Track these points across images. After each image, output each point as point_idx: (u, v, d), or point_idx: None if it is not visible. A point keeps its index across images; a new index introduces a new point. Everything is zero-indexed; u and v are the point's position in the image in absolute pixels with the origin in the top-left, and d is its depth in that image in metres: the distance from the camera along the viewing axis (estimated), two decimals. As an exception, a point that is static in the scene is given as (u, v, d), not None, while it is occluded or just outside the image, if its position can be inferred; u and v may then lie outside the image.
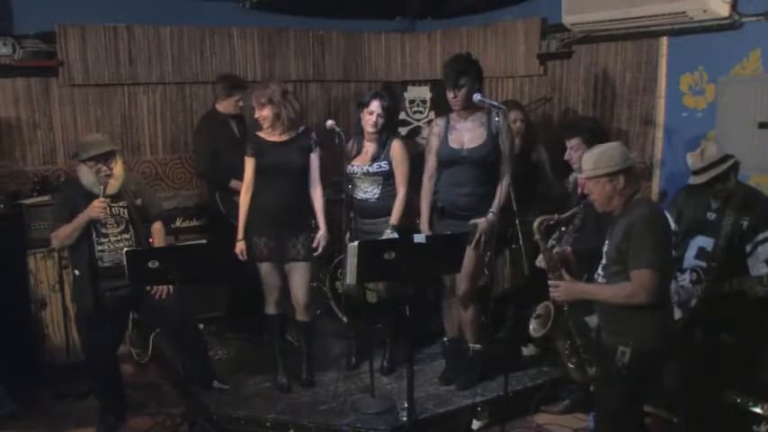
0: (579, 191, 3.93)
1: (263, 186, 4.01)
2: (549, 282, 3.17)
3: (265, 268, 4.08)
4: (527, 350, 4.49)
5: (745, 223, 3.38)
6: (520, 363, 4.35)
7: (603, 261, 3.05)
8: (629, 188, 2.97)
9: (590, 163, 3.01)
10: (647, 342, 2.89)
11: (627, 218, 2.93)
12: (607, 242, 3.03)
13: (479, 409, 3.91)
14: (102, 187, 3.67)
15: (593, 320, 3.20)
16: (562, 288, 3.12)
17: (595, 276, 3.13)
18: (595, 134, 3.91)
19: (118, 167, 3.77)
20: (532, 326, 3.34)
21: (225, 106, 4.86)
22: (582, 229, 3.76)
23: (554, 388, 4.17)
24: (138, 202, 3.88)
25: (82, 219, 3.65)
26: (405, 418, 3.62)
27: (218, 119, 4.86)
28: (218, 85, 4.94)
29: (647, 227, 2.87)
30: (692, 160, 3.45)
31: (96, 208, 3.63)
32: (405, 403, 3.61)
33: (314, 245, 4.06)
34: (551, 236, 3.63)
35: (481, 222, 3.89)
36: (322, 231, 4.07)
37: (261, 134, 4.05)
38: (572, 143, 3.93)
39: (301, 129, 4.07)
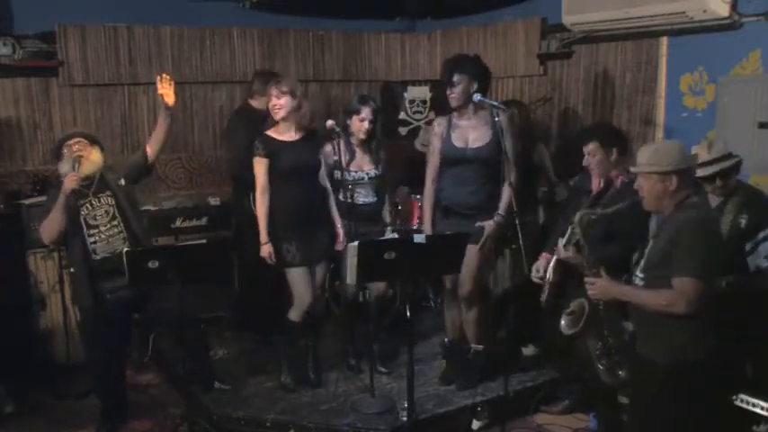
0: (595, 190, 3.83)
1: (284, 188, 3.93)
2: (586, 279, 3.04)
3: (299, 274, 3.96)
4: (527, 350, 4.48)
5: (744, 221, 3.36)
6: (520, 363, 4.34)
7: (643, 263, 2.89)
8: (681, 191, 2.79)
9: (644, 157, 2.84)
10: (688, 353, 2.71)
11: (676, 220, 2.76)
12: (651, 243, 2.88)
13: (479, 409, 3.91)
14: (75, 164, 3.65)
15: (629, 326, 3.07)
16: (598, 286, 2.97)
17: (633, 278, 2.97)
18: (612, 136, 3.81)
19: (94, 154, 3.77)
20: (564, 322, 3.20)
21: (261, 102, 4.61)
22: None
23: (554, 388, 4.17)
24: (122, 182, 3.85)
25: (60, 199, 3.61)
26: (405, 418, 3.61)
27: (253, 115, 4.65)
28: (255, 80, 4.81)
29: (696, 232, 2.68)
30: (697, 153, 3.40)
31: (68, 180, 3.59)
32: (405, 403, 3.61)
33: (339, 240, 4.07)
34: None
35: (488, 225, 3.89)
36: (340, 226, 4.08)
37: (271, 133, 3.96)
38: (589, 148, 3.83)
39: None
